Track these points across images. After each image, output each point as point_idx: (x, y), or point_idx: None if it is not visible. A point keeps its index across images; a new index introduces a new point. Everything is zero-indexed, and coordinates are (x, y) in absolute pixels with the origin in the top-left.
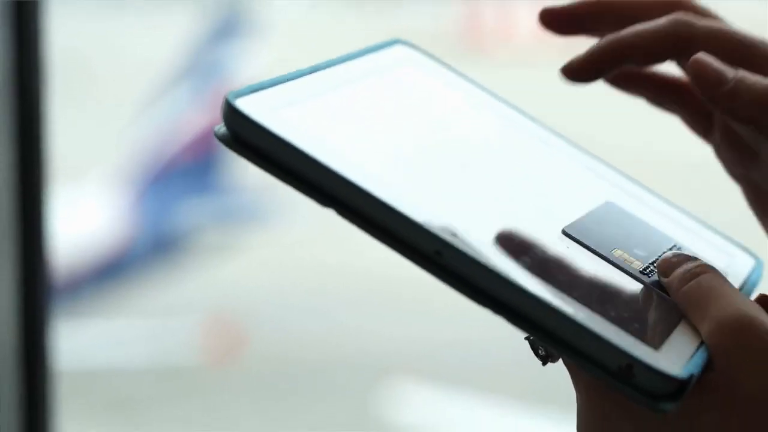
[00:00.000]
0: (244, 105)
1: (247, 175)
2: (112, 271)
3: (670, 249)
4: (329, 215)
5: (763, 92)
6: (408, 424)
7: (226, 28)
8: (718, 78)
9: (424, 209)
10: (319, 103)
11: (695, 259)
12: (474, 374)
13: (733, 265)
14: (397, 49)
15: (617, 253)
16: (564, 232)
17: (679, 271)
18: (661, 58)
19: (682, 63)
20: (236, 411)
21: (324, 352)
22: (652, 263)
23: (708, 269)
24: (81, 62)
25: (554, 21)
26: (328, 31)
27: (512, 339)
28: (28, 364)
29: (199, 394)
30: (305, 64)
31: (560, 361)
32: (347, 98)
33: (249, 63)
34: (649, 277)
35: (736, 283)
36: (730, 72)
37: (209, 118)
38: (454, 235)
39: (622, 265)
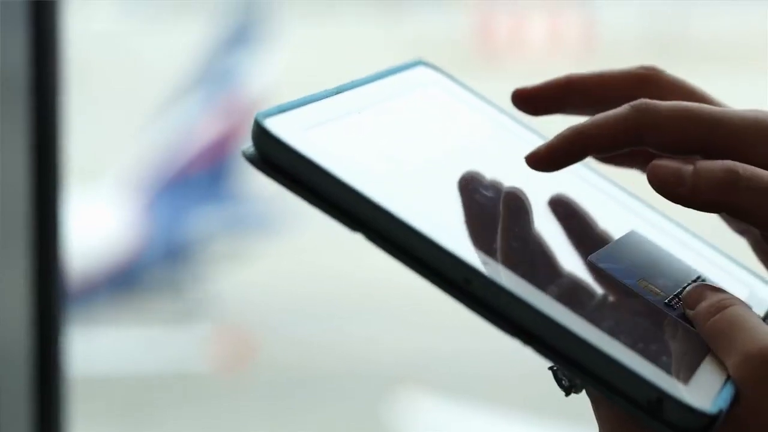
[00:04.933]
0: (273, 126)
1: (258, 184)
2: (123, 277)
3: (695, 281)
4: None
5: (719, 176)
6: None
7: (239, 36)
8: (677, 178)
9: (453, 236)
10: (347, 124)
11: (721, 291)
12: (482, 385)
13: (755, 297)
14: (420, 71)
15: (642, 284)
16: (589, 261)
17: (705, 303)
18: (626, 147)
19: (649, 148)
20: (245, 418)
21: (333, 361)
22: (677, 295)
23: (734, 301)
24: (93, 69)
25: (525, 101)
26: (341, 39)
27: (520, 351)
28: (42, 369)
29: (209, 401)
30: (318, 75)
31: (583, 392)
32: (374, 120)
33: (261, 71)
34: (675, 309)
35: (759, 315)
36: (686, 168)
37: (221, 126)
38: (484, 263)
39: (647, 297)
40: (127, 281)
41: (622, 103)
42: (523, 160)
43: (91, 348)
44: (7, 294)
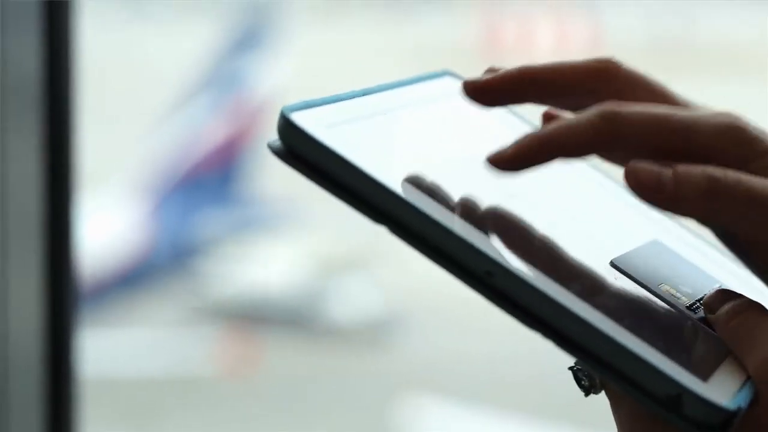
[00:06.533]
0: (300, 119)
1: (266, 186)
2: (131, 279)
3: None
4: (346, 228)
5: (701, 184)
6: None
7: (247, 40)
8: (657, 184)
9: (475, 230)
10: (373, 123)
11: (741, 296)
12: (491, 389)
13: None
14: (447, 81)
15: (664, 288)
16: (612, 264)
17: (726, 307)
18: (596, 153)
19: (616, 155)
20: (252, 421)
21: (340, 364)
22: (698, 300)
23: (754, 305)
24: (102, 71)
25: (478, 94)
26: (348, 43)
27: (531, 355)
28: (54, 371)
29: (217, 403)
30: (326, 78)
31: (602, 393)
32: (399, 122)
33: (269, 74)
34: (696, 313)
35: None
36: (665, 172)
37: (230, 129)
38: (506, 256)
39: (669, 300)
40: (136, 283)
41: (580, 96)
42: (487, 161)
43: (101, 350)
44: (20, 296)
